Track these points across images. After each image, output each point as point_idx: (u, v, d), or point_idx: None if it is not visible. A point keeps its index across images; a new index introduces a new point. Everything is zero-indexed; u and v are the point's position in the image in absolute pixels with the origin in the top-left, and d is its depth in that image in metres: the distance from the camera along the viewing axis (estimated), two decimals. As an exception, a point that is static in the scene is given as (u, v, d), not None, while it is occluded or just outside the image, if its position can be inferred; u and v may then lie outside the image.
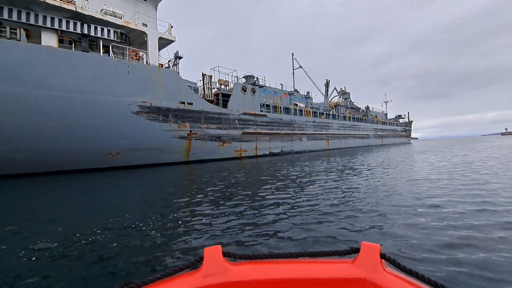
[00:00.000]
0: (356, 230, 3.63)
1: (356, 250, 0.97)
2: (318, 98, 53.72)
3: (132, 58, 16.31)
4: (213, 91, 22.11)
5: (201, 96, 20.32)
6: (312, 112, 34.20)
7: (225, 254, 0.98)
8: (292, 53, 44.36)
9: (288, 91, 32.54)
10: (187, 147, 18.71)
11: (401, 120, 76.95)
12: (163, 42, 18.82)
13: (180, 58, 26.71)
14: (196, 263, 0.99)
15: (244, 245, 3.21)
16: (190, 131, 18.73)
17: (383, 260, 0.93)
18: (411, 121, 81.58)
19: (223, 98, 21.88)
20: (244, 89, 23.28)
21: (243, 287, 0.90)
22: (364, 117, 50.74)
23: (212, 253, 0.96)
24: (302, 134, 30.49)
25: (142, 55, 16.89)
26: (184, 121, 18.39)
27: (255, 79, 27.45)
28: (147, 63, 16.86)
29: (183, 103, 18.39)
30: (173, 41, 18.88)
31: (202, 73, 20.34)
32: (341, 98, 56.81)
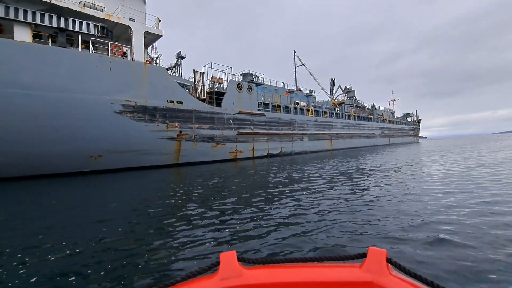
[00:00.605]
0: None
1: (364, 255, 1.00)
2: (321, 97, 52.08)
3: (115, 54, 15.24)
4: (207, 89, 20.95)
5: (192, 94, 19.16)
6: (314, 111, 32.71)
7: (239, 259, 1.03)
8: (294, 50, 42.96)
9: (288, 89, 31.11)
10: (177, 149, 17.57)
11: (409, 119, 74.48)
12: (151, 37, 17.71)
13: (183, 58, 25.70)
14: (213, 267, 1.04)
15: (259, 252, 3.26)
16: (180, 131, 17.58)
17: (389, 264, 0.95)
18: (420, 120, 78.98)
19: (216, 97, 20.68)
20: (239, 87, 22.02)
21: None
22: (369, 116, 48.90)
23: (228, 258, 1.02)
24: (303, 134, 29.07)
25: (127, 51, 15.80)
26: (173, 121, 17.25)
27: (253, 76, 26.20)
28: (132, 59, 15.76)
29: (172, 102, 17.25)
30: (160, 36, 17.74)
31: (193, 70, 19.18)
32: (346, 96, 55.13)
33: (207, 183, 9.27)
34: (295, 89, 37.64)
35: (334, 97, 53.12)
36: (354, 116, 42.73)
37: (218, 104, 20.52)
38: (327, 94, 45.63)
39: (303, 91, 38.05)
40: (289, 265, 1.07)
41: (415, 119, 77.09)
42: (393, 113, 67.86)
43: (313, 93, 42.53)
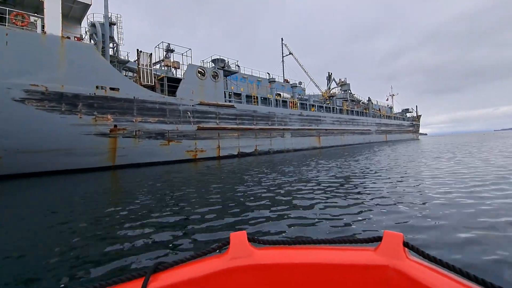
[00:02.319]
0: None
1: (379, 239, 0.96)
2: (311, 90, 48.30)
3: (17, 25, 11.69)
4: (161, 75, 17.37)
5: (135, 80, 15.61)
6: (299, 103, 29.11)
7: (249, 239, 1.01)
8: (282, 38, 39.23)
9: (269, 79, 27.49)
10: (111, 147, 14.07)
11: (408, 115, 70.70)
12: (76, 7, 14.10)
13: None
14: (223, 246, 1.02)
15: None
16: (115, 126, 14.06)
17: (406, 248, 0.92)
18: (420, 115, 75.22)
19: (170, 84, 17.12)
20: (201, 73, 18.43)
21: (267, 269, 0.95)
22: (365, 111, 45.24)
23: (238, 238, 1.00)
24: (284, 129, 25.50)
25: (35, 21, 12.23)
26: (105, 112, 13.73)
27: (225, 63, 22.62)
28: (43, 32, 12.18)
29: (103, 88, 13.72)
30: (88, 5, 14.13)
31: (137, 49, 15.58)
32: (340, 90, 51.48)
33: (138, 194, 5.79)
34: (276, 79, 34.07)
35: (329, 91, 49.53)
36: (347, 110, 39.10)
37: (173, 93, 16.97)
38: (316, 86, 41.98)
39: (292, 83, 34.45)
40: (301, 246, 1.03)
41: (415, 115, 73.35)
42: (391, 108, 64.18)
43: (302, 85, 39.00)
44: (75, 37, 14.38)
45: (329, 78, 52.84)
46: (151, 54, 16.07)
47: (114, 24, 17.64)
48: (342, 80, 53.06)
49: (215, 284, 0.91)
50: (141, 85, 15.47)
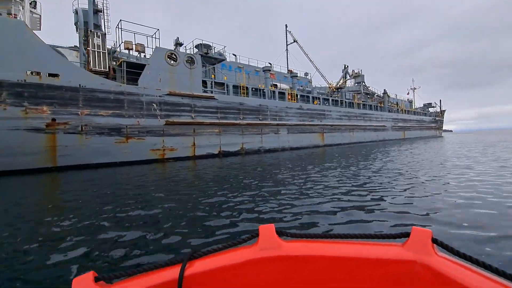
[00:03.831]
0: None
1: (406, 235, 0.95)
2: (319, 82, 44.26)
3: None
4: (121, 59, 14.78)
5: (85, 66, 13.13)
6: (298, 96, 25.72)
7: (277, 232, 1.03)
8: (286, 25, 35.54)
9: (263, 67, 24.29)
10: (49, 146, 11.72)
11: (431, 110, 64.56)
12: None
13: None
14: (252, 238, 1.07)
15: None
16: (53, 119, 11.68)
17: (435, 244, 0.91)
18: (444, 111, 68.66)
19: (131, 70, 14.51)
20: (172, 57, 15.66)
21: (295, 261, 0.97)
22: (379, 105, 40.78)
23: (267, 230, 1.03)
24: (278, 125, 22.31)
25: None
26: (39, 103, 11.36)
27: (209, 49, 19.77)
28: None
29: (38, 74, 11.32)
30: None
31: (86, 29, 13.02)
32: (354, 82, 47.17)
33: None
34: (278, 70, 30.74)
35: (343, 83, 45.39)
36: (359, 104, 35.03)
37: (134, 80, 14.37)
38: (322, 76, 37.99)
39: (298, 74, 31.02)
40: (328, 240, 1.05)
41: (438, 110, 66.95)
42: (411, 102, 58.61)
43: (308, 77, 35.40)
44: (14, 14, 12.04)
45: (345, 71, 48.66)
46: (104, 34, 13.48)
47: (100, 11, 15.52)
48: (356, 72, 48.71)
49: (245, 272, 0.97)
50: (91, 71, 12.96)
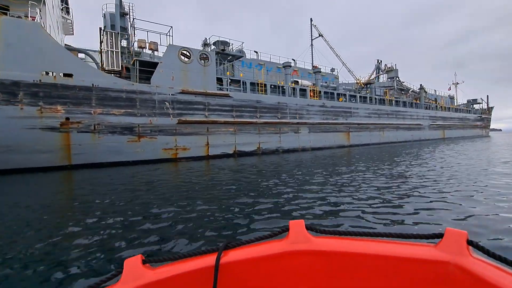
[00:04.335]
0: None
1: (440, 235, 0.94)
2: (347, 78, 41.62)
3: None
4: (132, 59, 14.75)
5: (100, 66, 13.21)
6: (322, 92, 24.17)
7: (307, 227, 1.06)
8: (311, 19, 33.83)
9: (283, 63, 23.16)
10: (64, 144, 11.94)
11: (476, 106, 57.98)
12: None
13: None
14: (282, 232, 1.10)
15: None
16: (67, 118, 11.87)
17: (470, 246, 0.88)
18: (491, 107, 61.36)
19: (144, 69, 14.39)
20: (185, 55, 15.32)
21: (324, 255, 1.00)
22: (415, 101, 37.29)
23: (297, 225, 1.07)
24: (299, 123, 21.08)
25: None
26: (54, 102, 11.60)
27: (226, 45, 19.25)
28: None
29: (52, 74, 11.56)
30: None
31: (100, 28, 13.10)
32: (387, 77, 43.92)
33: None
34: (302, 66, 29.32)
35: (374, 78, 42.52)
36: (390, 100, 32.25)
37: (147, 79, 14.25)
38: (349, 71, 35.57)
39: (323, 70, 29.42)
40: (358, 238, 1.05)
41: (485, 107, 59.93)
42: (452, 98, 53.12)
43: (335, 73, 33.46)
44: (31, 17, 12.48)
45: (378, 66, 45.60)
46: (118, 33, 13.47)
47: (127, 14, 16.01)
48: (388, 66, 45.37)
49: (276, 264, 1.01)
50: (104, 70, 13.03)
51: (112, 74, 14.04)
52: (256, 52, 26.73)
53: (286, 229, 1.07)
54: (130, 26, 16.38)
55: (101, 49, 13.18)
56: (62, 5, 20.24)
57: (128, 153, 13.41)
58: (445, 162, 10.50)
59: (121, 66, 13.66)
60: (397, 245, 0.96)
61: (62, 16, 20.63)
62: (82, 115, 12.18)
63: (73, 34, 22.99)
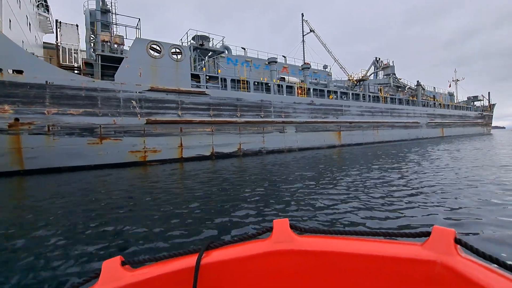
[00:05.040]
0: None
1: (427, 234, 0.92)
2: (340, 75, 40.28)
3: None
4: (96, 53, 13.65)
5: (57, 61, 12.14)
6: (311, 89, 22.98)
7: (291, 226, 1.04)
8: (302, 14, 32.62)
9: (268, 58, 22.01)
10: (14, 148, 10.88)
11: (477, 103, 56.47)
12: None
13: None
14: (266, 231, 1.08)
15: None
16: (16, 119, 10.80)
17: (458, 245, 0.86)
18: (493, 104, 59.83)
19: (108, 65, 13.30)
20: (156, 50, 14.20)
21: (308, 255, 0.97)
22: (411, 98, 35.98)
23: (281, 225, 1.04)
24: (284, 122, 19.92)
25: None
26: (1, 102, 10.53)
27: (206, 40, 18.15)
28: None
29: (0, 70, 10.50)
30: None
31: (56, 20, 12.02)
32: (383, 74, 42.68)
33: None
34: (293, 63, 28.12)
35: (373, 76, 41.29)
36: (385, 98, 31.00)
37: (111, 76, 13.16)
38: (342, 68, 34.33)
39: (315, 67, 28.22)
40: (342, 237, 1.02)
41: (487, 104, 58.40)
42: (452, 95, 51.64)
43: (328, 69, 32.23)
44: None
45: (376, 63, 44.37)
46: (77, 25, 12.40)
47: (109, 11, 14.94)
48: (385, 63, 44.14)
49: (259, 264, 0.99)
50: (60, 66, 11.96)
51: (76, 71, 13.02)
52: (244, 49, 25.56)
53: (270, 229, 1.06)
54: (112, 23, 15.32)
55: (56, 43, 12.11)
56: (37, 1, 19.23)
57: (90, 156, 12.33)
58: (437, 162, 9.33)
59: (82, 62, 12.57)
60: (382, 244, 0.94)
61: (39, 14, 19.63)
62: (34, 116, 11.10)
63: (52, 32, 21.96)
